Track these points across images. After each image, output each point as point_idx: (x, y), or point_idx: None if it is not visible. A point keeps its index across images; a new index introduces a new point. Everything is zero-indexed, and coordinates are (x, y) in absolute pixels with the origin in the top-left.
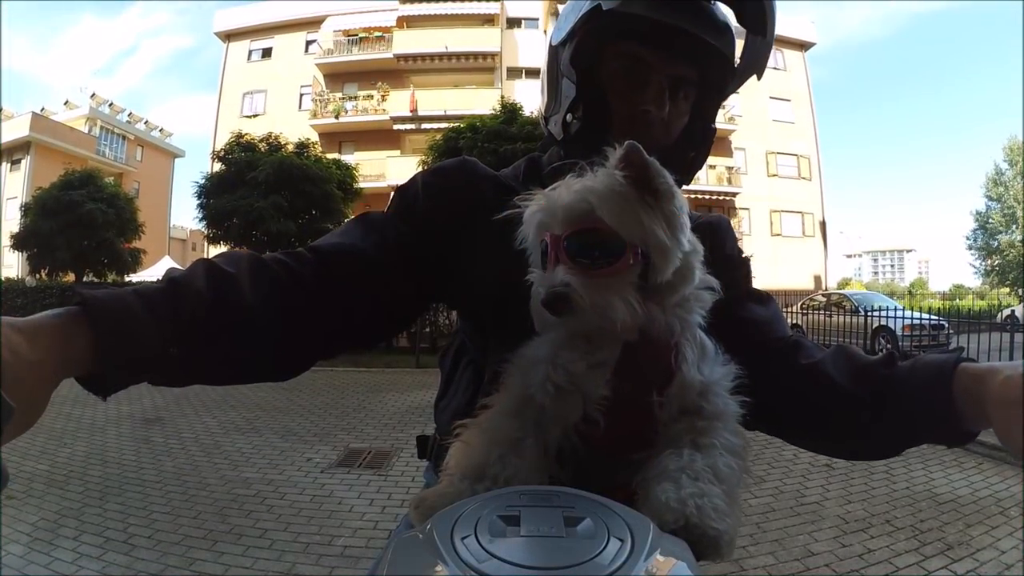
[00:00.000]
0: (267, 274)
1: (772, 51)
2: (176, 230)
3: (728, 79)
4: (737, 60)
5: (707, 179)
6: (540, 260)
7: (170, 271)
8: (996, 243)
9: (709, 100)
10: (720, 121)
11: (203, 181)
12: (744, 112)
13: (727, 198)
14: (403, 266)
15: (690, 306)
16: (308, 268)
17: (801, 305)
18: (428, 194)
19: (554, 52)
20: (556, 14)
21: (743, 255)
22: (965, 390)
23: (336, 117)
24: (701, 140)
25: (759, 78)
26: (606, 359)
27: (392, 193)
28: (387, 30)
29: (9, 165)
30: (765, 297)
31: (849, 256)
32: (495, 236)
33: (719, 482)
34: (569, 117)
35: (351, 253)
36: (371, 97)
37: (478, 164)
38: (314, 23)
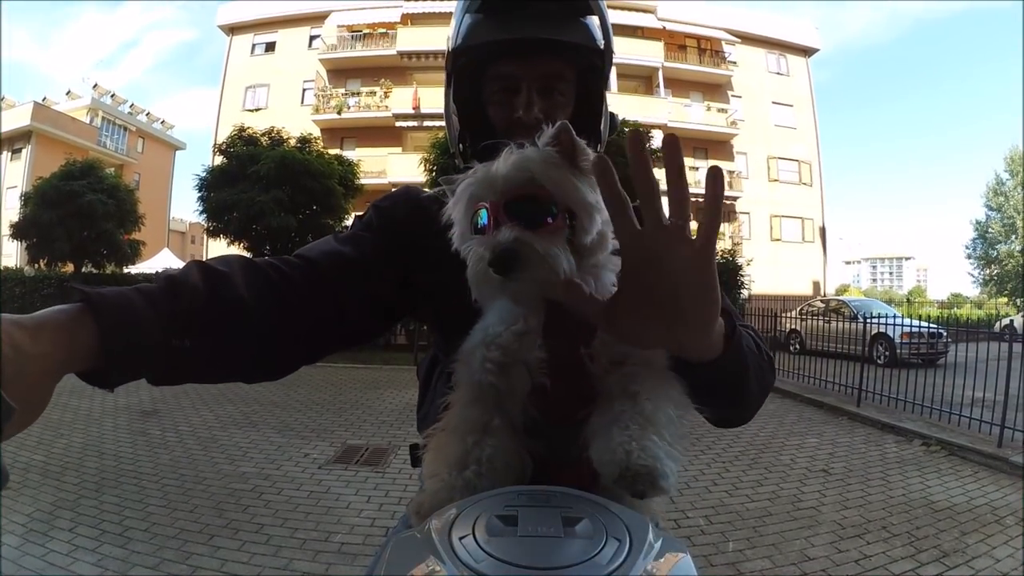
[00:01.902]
0: (259, 274)
1: (771, 54)
2: (176, 223)
3: (597, 61)
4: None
5: None
6: (471, 232)
7: (164, 271)
8: (995, 253)
9: (592, 85)
10: (722, 125)
11: (204, 174)
12: (746, 117)
13: (728, 202)
14: (382, 268)
15: (603, 265)
16: (297, 271)
17: (800, 310)
18: (379, 215)
19: (447, 96)
20: None
21: None
22: None
23: (338, 113)
24: (592, 125)
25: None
26: (532, 325)
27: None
28: (391, 26)
29: (10, 154)
30: None
31: (848, 262)
32: (447, 247)
33: (650, 425)
34: (461, 147)
35: (336, 255)
36: (374, 93)
37: (421, 190)
38: (318, 18)
